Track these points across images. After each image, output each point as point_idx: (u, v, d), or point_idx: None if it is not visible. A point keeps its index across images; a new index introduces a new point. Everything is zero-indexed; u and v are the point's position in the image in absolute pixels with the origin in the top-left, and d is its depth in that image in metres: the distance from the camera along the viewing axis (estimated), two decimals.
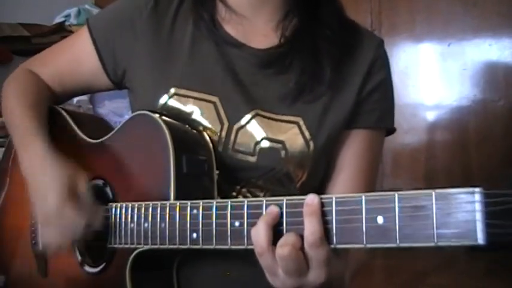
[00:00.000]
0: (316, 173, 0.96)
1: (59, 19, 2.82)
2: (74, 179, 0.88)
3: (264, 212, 0.69)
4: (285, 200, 0.68)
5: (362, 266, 0.97)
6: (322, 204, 0.65)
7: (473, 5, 2.86)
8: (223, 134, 0.92)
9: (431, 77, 2.98)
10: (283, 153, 0.91)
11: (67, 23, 2.79)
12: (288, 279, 0.68)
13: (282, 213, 0.68)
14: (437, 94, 2.98)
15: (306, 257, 0.66)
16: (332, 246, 0.64)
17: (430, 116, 2.97)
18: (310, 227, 0.64)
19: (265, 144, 0.91)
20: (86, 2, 2.97)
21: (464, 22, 2.88)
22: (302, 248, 0.66)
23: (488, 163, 2.78)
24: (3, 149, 1.15)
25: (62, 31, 2.69)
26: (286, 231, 0.67)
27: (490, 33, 2.84)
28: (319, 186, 0.99)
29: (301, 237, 0.65)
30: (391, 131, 1.04)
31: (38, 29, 2.72)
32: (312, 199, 0.65)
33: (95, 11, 2.81)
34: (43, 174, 0.90)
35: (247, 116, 0.92)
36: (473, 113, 2.87)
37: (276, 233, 0.67)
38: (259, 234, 0.67)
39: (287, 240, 0.66)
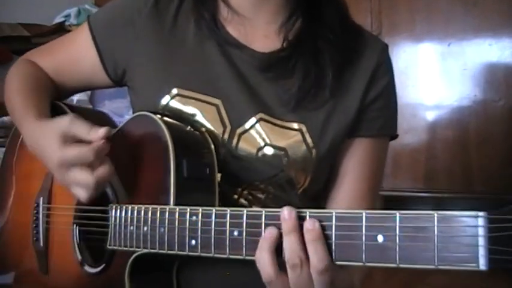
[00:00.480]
0: (318, 180, 0.96)
1: (59, 19, 2.81)
2: (61, 124, 0.86)
3: (263, 223, 0.69)
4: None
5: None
6: (322, 219, 0.64)
7: (474, 5, 2.85)
8: (226, 137, 0.91)
9: (431, 77, 2.97)
10: (285, 160, 0.91)
11: (67, 23, 2.78)
12: None
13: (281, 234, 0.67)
14: (437, 94, 2.97)
15: (312, 279, 0.65)
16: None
17: (430, 116, 2.96)
18: (317, 255, 0.63)
19: (268, 150, 0.90)
20: (86, 2, 2.97)
21: (464, 22, 2.87)
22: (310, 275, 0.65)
23: (489, 163, 2.77)
24: (4, 149, 1.15)
25: (62, 31, 2.69)
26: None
27: (490, 33, 2.83)
28: (321, 193, 0.99)
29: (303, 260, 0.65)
30: (393, 136, 1.03)
31: (38, 29, 2.72)
32: (312, 224, 0.64)
33: (95, 11, 2.80)
34: (39, 139, 0.89)
35: (252, 120, 0.91)
36: (473, 113, 2.86)
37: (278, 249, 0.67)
38: (265, 264, 0.67)
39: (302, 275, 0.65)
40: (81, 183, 0.82)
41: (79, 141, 0.83)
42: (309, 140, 0.92)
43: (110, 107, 2.60)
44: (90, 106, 2.61)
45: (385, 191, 2.55)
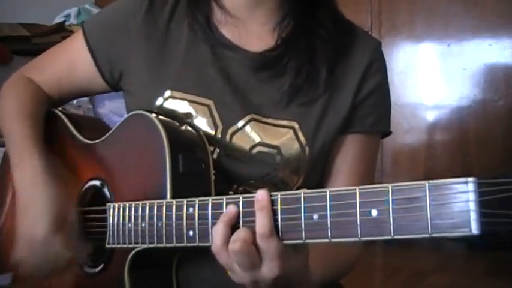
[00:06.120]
0: (311, 178, 0.96)
1: (59, 19, 2.82)
2: (64, 207, 0.90)
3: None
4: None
5: (357, 265, 0.97)
6: (317, 200, 0.65)
7: (473, 5, 2.86)
8: (218, 137, 0.91)
9: (431, 77, 2.98)
10: (278, 158, 0.91)
11: (67, 23, 2.79)
12: (244, 273, 0.70)
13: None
14: (437, 94, 2.98)
15: (259, 250, 0.68)
16: (327, 240, 0.64)
17: (430, 116, 2.97)
18: (260, 220, 0.67)
19: (260, 149, 0.91)
20: (86, 2, 2.98)
21: (464, 22, 2.88)
22: (254, 243, 0.68)
23: (488, 163, 2.78)
24: (3, 148, 1.15)
25: (62, 31, 2.69)
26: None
27: (490, 33, 2.84)
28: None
29: (254, 232, 0.67)
30: (386, 133, 1.03)
31: (38, 29, 2.72)
32: (261, 195, 0.67)
33: (95, 11, 2.81)
34: (33, 196, 0.91)
35: (243, 121, 0.92)
36: (473, 113, 2.87)
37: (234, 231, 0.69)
38: (216, 234, 0.69)
39: (238, 235, 0.68)
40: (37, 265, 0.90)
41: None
42: (301, 137, 0.92)
43: (110, 107, 2.60)
44: (90, 106, 2.61)
45: None
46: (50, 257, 0.88)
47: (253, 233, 0.67)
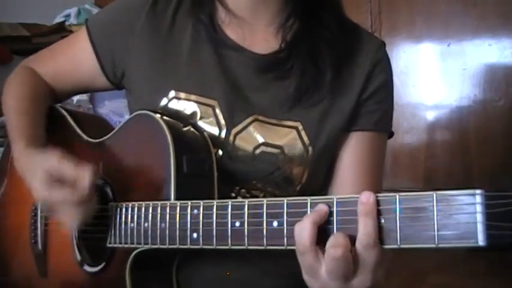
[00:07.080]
0: (316, 177, 0.95)
1: (59, 19, 2.81)
2: (49, 163, 0.86)
3: (264, 213, 0.69)
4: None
5: None
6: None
7: (473, 6, 2.86)
8: (222, 137, 0.91)
9: (431, 77, 2.98)
10: (281, 157, 0.91)
11: (67, 23, 2.78)
12: (331, 282, 0.64)
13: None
14: (437, 94, 2.98)
15: (356, 259, 0.63)
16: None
17: (430, 115, 2.97)
18: (365, 228, 0.61)
19: (264, 149, 0.91)
20: (86, 2, 2.97)
21: (464, 22, 2.88)
22: (351, 250, 0.62)
23: (488, 163, 2.78)
24: (3, 148, 1.15)
25: (62, 31, 2.69)
26: (335, 231, 0.64)
27: (489, 33, 2.84)
28: (320, 189, 0.99)
29: (351, 238, 0.62)
30: (390, 135, 1.03)
31: (38, 29, 2.72)
32: (367, 197, 0.61)
33: (95, 11, 2.81)
34: (27, 169, 0.91)
35: (246, 121, 0.92)
36: (473, 113, 2.87)
37: (322, 232, 0.64)
38: (303, 232, 0.64)
39: (339, 241, 0.62)
40: (65, 219, 0.85)
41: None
42: (305, 137, 0.92)
43: (110, 107, 2.60)
44: (90, 106, 2.61)
45: (384, 190, 2.56)
46: (64, 205, 0.84)
47: (351, 239, 0.62)
